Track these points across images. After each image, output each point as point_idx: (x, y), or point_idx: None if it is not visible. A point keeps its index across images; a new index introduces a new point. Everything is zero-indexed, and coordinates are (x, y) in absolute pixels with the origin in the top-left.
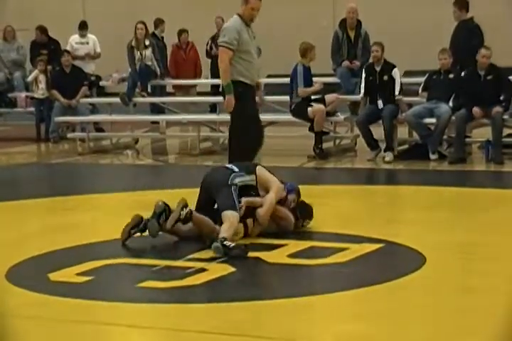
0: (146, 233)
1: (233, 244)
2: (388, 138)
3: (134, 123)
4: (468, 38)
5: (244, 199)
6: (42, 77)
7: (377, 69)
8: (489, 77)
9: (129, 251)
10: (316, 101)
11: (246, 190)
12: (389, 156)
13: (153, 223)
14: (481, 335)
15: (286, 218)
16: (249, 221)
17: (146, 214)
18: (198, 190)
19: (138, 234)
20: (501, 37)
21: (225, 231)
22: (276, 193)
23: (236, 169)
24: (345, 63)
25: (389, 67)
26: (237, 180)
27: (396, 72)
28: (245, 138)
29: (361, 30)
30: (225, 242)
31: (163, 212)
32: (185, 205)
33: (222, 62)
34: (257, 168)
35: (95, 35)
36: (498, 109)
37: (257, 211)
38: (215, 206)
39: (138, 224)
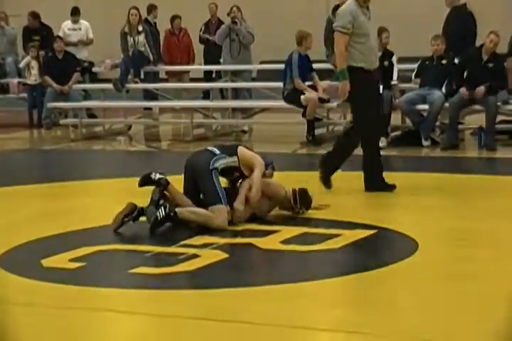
0: (139, 220)
1: (164, 212)
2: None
3: (126, 110)
4: (460, 24)
5: (237, 204)
6: (34, 63)
7: (379, 54)
8: (490, 65)
9: (122, 237)
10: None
11: (229, 171)
12: (383, 142)
13: (151, 209)
14: (473, 321)
15: (270, 184)
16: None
17: (139, 201)
18: None
19: (131, 222)
20: (493, 23)
21: (193, 212)
22: (260, 170)
23: (217, 152)
24: None
25: (388, 52)
26: (218, 164)
27: (394, 59)
28: (367, 127)
29: None
30: (163, 210)
31: (160, 198)
32: (162, 173)
33: (337, 47)
34: (238, 149)
35: (87, 21)
36: (492, 98)
37: (247, 195)
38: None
39: (131, 212)
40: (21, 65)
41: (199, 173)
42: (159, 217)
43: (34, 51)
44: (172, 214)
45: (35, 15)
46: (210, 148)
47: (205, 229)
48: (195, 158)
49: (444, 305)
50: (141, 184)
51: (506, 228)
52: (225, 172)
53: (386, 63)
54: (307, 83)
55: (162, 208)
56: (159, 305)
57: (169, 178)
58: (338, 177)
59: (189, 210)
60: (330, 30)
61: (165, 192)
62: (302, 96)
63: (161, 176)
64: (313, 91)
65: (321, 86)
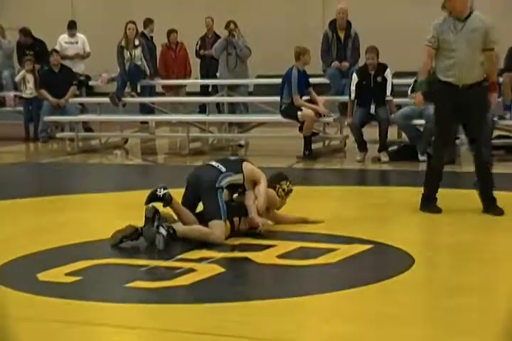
0: (138, 241)
1: (164, 230)
2: (385, 139)
3: (123, 123)
4: None
5: (254, 215)
6: (29, 77)
7: (372, 72)
8: None
9: (118, 251)
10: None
11: (233, 187)
12: (385, 157)
13: (149, 230)
14: (470, 335)
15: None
16: (236, 219)
17: (136, 214)
18: None
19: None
20: None
21: (191, 229)
22: (265, 184)
23: (223, 169)
24: (335, 64)
25: (382, 67)
26: (224, 182)
27: (388, 73)
28: (435, 142)
29: (351, 31)
30: (162, 228)
31: (155, 215)
32: (165, 187)
33: (424, 59)
34: (243, 165)
35: (84, 34)
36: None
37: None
38: (200, 204)
39: (131, 235)
40: (17, 78)
41: (204, 190)
42: (165, 238)
43: (29, 64)
44: (172, 231)
45: (25, 32)
46: (215, 163)
47: (201, 243)
48: (201, 174)
49: (439, 320)
50: (148, 202)
51: (502, 243)
52: (229, 188)
53: (379, 79)
54: (304, 98)
55: (161, 228)
56: (155, 319)
57: None
58: (332, 191)
59: (188, 228)
60: (325, 45)
61: (169, 207)
62: (299, 113)
63: (165, 191)
64: (311, 105)
65: (320, 101)
